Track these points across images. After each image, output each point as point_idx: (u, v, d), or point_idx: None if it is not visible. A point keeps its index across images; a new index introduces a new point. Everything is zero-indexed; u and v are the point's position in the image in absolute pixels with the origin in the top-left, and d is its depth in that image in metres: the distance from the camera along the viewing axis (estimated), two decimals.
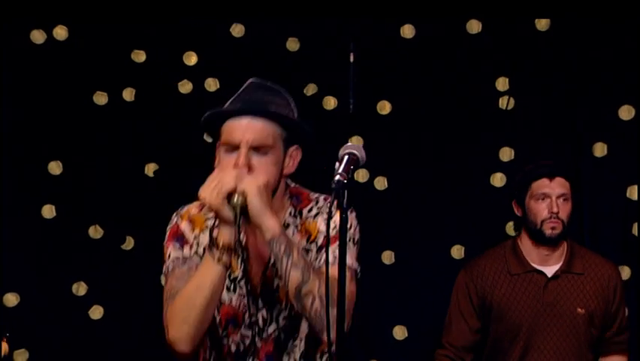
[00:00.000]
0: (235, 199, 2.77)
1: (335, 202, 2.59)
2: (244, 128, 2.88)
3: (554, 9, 5.04)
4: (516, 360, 4.36)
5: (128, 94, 5.45)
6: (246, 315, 2.90)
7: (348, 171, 2.69)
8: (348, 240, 2.71)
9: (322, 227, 2.94)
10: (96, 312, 5.38)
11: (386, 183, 5.30)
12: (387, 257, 5.26)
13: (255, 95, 2.97)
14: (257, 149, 2.87)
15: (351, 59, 5.10)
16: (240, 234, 2.84)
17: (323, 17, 5.22)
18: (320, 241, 2.94)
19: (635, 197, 5.10)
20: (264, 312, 2.92)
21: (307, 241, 2.95)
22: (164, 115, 5.44)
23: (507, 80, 5.22)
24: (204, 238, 2.94)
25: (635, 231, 5.10)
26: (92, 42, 5.38)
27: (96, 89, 5.42)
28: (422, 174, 5.22)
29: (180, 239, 2.94)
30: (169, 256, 2.93)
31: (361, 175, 5.30)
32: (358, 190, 5.28)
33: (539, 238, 4.37)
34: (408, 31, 5.29)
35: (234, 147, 2.88)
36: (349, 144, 2.82)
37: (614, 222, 5.11)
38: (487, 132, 5.19)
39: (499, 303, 4.37)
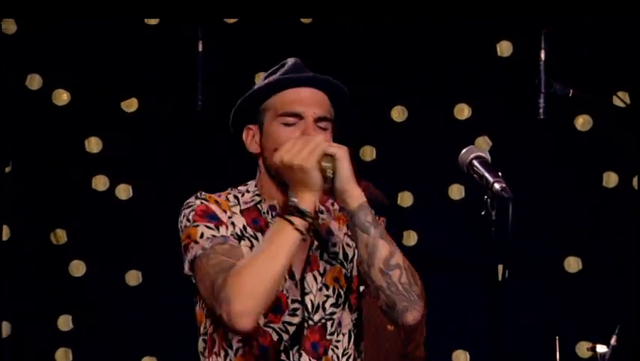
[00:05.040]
0: (327, 162, 2.62)
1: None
2: (310, 98, 2.71)
3: (319, 10, 4.81)
4: None
5: None
6: (289, 300, 2.72)
7: (499, 176, 2.68)
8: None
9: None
10: None
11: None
12: None
13: (307, 72, 2.75)
14: (319, 121, 2.71)
15: (200, 48, 4.46)
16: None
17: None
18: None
19: (406, 204, 4.92)
20: (311, 297, 2.75)
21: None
22: None
23: None
24: (238, 221, 2.73)
25: (404, 239, 4.93)
26: None
27: None
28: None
29: (214, 218, 2.70)
30: (201, 235, 2.67)
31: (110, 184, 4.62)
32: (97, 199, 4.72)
33: None
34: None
35: (296, 118, 2.70)
36: (468, 148, 2.69)
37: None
38: None
39: None
